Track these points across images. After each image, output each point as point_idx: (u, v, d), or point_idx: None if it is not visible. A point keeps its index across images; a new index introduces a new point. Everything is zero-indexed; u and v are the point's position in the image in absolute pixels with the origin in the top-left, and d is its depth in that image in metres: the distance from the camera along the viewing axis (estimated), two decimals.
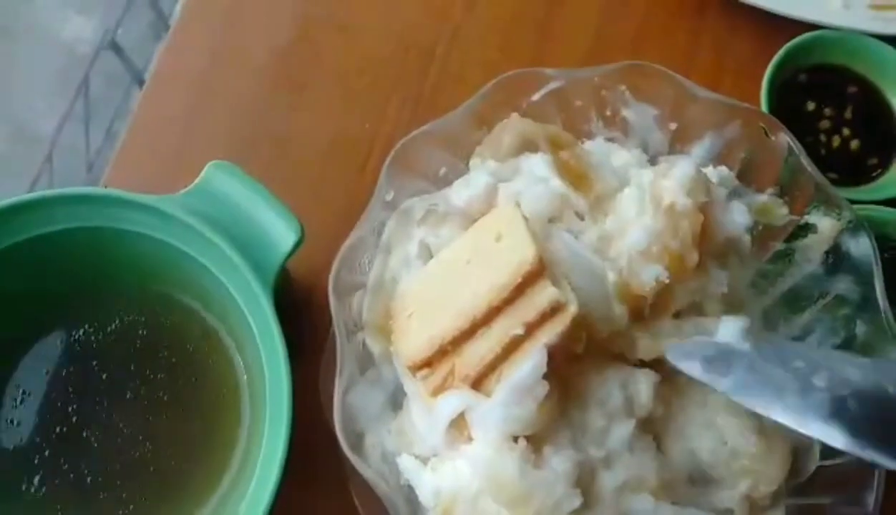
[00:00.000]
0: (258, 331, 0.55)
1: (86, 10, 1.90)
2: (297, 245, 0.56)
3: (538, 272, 0.45)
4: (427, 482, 0.49)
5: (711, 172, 0.53)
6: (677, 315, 0.51)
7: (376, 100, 0.77)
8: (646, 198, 0.50)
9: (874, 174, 0.77)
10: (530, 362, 0.45)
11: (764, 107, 0.74)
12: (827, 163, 0.76)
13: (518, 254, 0.46)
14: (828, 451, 0.53)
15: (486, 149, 0.55)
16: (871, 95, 0.79)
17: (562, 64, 0.69)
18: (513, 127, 0.54)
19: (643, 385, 0.50)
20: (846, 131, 0.78)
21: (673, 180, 0.49)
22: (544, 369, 0.45)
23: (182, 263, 0.61)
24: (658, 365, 0.50)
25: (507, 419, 0.45)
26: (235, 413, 0.62)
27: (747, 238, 0.52)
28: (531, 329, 0.45)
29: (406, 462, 0.51)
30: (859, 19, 0.79)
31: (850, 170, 0.77)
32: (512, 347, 0.45)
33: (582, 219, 0.52)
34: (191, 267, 0.60)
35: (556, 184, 0.51)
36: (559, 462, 0.47)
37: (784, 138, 0.54)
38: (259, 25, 0.81)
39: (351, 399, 0.50)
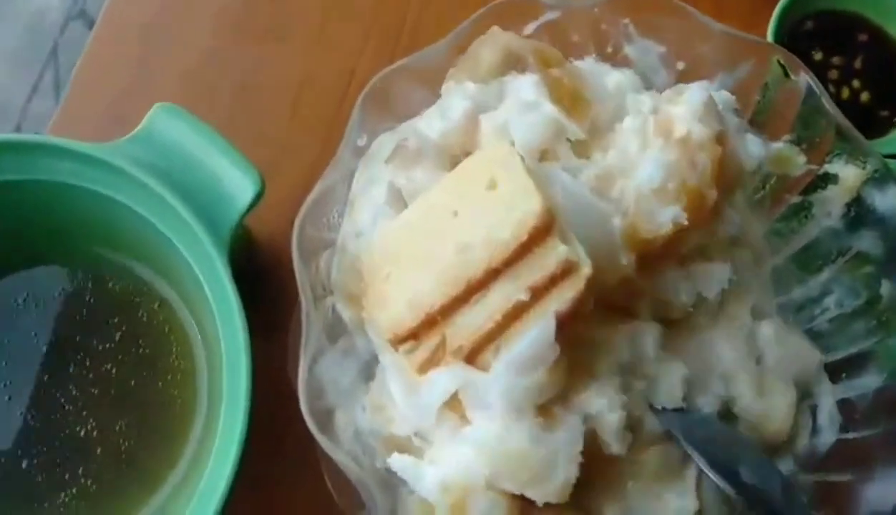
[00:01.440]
0: (213, 298, 0.49)
1: None
2: (257, 198, 0.49)
3: (547, 227, 0.38)
4: (430, 476, 0.42)
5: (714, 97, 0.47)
6: (682, 260, 0.46)
7: (351, 43, 0.69)
8: (649, 129, 0.43)
9: (886, 127, 0.72)
10: (536, 332, 0.38)
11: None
12: None
13: (520, 205, 0.38)
14: (849, 425, 0.49)
15: (463, 70, 0.47)
16: (882, 44, 0.74)
17: None
18: (494, 41, 0.46)
19: (650, 340, 0.45)
20: (856, 82, 0.73)
21: (685, 107, 0.42)
22: (553, 338, 0.38)
23: (130, 222, 0.54)
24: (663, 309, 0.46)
25: (513, 392, 0.39)
26: (191, 390, 0.56)
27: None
28: (538, 294, 0.38)
29: (399, 463, 0.43)
30: None
31: (860, 122, 0.70)
32: (514, 315, 0.39)
33: (577, 154, 0.45)
34: (139, 227, 0.53)
35: (549, 109, 0.44)
36: (574, 421, 0.41)
37: (805, 78, 0.48)
38: None
39: (319, 371, 0.44)
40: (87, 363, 0.57)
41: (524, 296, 0.38)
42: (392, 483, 0.44)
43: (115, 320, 0.58)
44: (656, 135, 0.43)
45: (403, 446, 0.45)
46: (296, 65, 0.68)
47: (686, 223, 0.42)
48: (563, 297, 0.38)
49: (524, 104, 0.44)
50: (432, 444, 0.43)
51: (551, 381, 0.39)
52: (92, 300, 0.59)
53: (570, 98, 0.45)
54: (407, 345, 0.40)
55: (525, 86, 0.45)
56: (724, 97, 0.49)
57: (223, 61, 0.70)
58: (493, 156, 0.41)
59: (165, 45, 0.70)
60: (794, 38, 0.73)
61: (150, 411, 0.56)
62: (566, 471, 0.39)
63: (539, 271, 0.38)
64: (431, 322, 0.40)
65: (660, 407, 0.44)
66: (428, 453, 0.42)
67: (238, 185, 0.49)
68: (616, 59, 0.52)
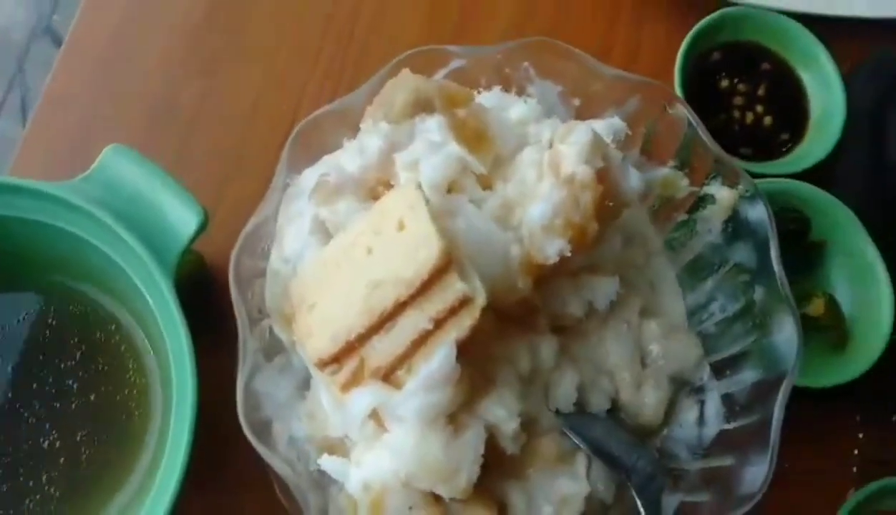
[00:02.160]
0: (161, 319, 0.54)
1: None
2: (200, 229, 0.55)
3: (445, 267, 0.44)
4: (354, 476, 0.48)
5: (605, 126, 0.53)
6: (574, 275, 0.52)
7: (295, 80, 0.75)
8: (545, 161, 0.49)
9: (785, 149, 0.79)
10: (440, 356, 0.44)
11: (677, 84, 0.76)
12: (741, 138, 0.78)
13: (423, 247, 0.44)
14: (729, 415, 0.55)
15: (378, 110, 0.53)
16: (783, 72, 0.81)
17: (484, 40, 0.69)
18: (405, 85, 0.52)
19: (547, 352, 0.51)
20: (759, 107, 0.79)
21: (570, 147, 0.48)
22: (454, 361, 0.45)
23: (88, 252, 0.59)
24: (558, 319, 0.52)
25: (424, 408, 0.45)
26: (146, 403, 0.61)
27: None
28: (440, 323, 0.45)
29: (329, 464, 0.50)
30: None
31: (763, 145, 0.78)
32: (421, 341, 0.45)
33: (482, 185, 0.51)
34: (96, 256, 0.58)
35: (454, 149, 0.50)
36: (477, 428, 0.47)
37: (682, 110, 0.55)
38: (170, 3, 0.78)
39: (257, 386, 0.49)
40: (50, 380, 0.62)
41: (429, 325, 0.44)
42: (323, 483, 0.50)
43: (76, 340, 0.64)
44: (548, 171, 0.49)
45: (336, 447, 0.51)
46: (246, 100, 0.74)
47: (569, 254, 0.48)
48: (462, 325, 0.44)
49: (432, 144, 0.50)
50: (357, 447, 0.48)
51: (456, 396, 0.46)
52: (54, 322, 0.64)
53: (474, 136, 0.51)
54: (331, 368, 0.46)
55: (432, 128, 0.51)
56: (616, 125, 0.55)
57: (177, 97, 0.75)
58: (403, 200, 0.47)
59: (122, 81, 0.75)
60: (703, 67, 0.80)
61: (109, 422, 0.61)
62: (469, 472, 0.45)
63: (440, 304, 0.44)
64: (351, 348, 0.46)
65: (554, 410, 0.50)
66: (353, 455, 0.48)
67: (182, 218, 0.55)
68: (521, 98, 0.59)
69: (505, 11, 0.78)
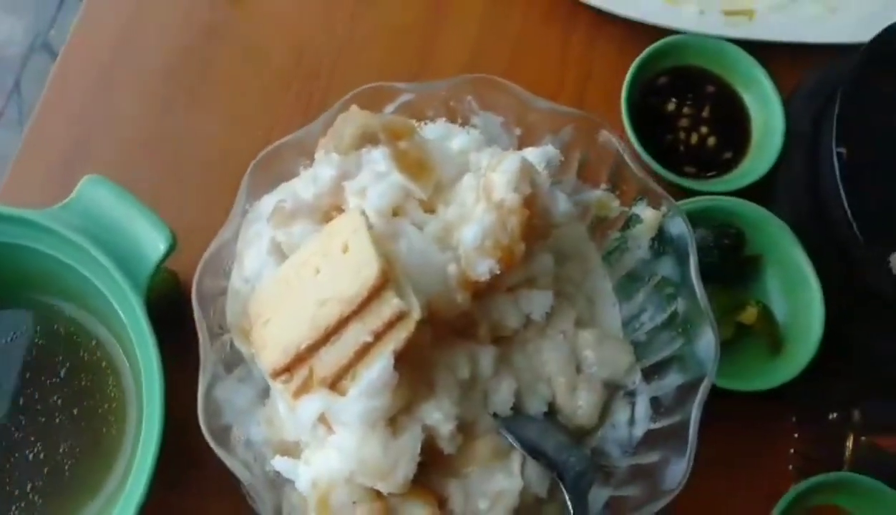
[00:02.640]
0: (135, 338, 0.59)
1: (16, 10, 1.82)
2: (168, 252, 0.60)
3: (382, 286, 0.49)
4: (303, 474, 0.53)
5: (538, 154, 0.58)
6: (512, 289, 0.57)
7: (267, 110, 0.81)
8: (480, 189, 0.54)
9: (728, 167, 0.84)
10: (378, 366, 0.49)
11: (624, 108, 0.80)
12: (686, 157, 0.83)
13: (364, 268, 0.49)
14: (655, 416, 0.60)
15: (330, 142, 0.57)
16: (726, 94, 0.85)
17: (444, 74, 0.74)
18: (353, 119, 0.57)
19: (486, 360, 0.56)
20: (704, 129, 0.84)
21: (501, 175, 0.53)
22: (392, 370, 0.49)
23: (69, 274, 0.64)
24: (497, 329, 0.57)
25: (365, 412, 0.50)
26: (123, 415, 0.66)
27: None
28: (379, 335, 0.49)
29: (281, 464, 0.54)
30: (713, 25, 0.85)
31: (707, 163, 0.83)
32: (363, 352, 0.49)
33: (425, 209, 0.56)
34: (76, 278, 0.64)
35: (396, 177, 0.55)
36: (415, 429, 0.51)
37: (609, 138, 0.61)
38: (151, 38, 0.84)
39: (218, 394, 0.54)
40: (36, 396, 0.67)
41: (369, 338, 0.49)
42: (278, 483, 0.55)
43: (60, 358, 0.68)
44: (482, 196, 0.55)
45: (291, 449, 0.56)
46: (218, 134, 0.80)
47: (498, 272, 0.53)
48: (399, 337, 0.49)
49: (377, 174, 0.56)
50: (308, 448, 0.53)
51: (394, 401, 0.50)
52: (41, 342, 0.69)
53: (416, 165, 0.56)
54: (283, 378, 0.51)
55: (378, 158, 0.56)
56: (549, 153, 0.60)
57: (156, 129, 0.81)
58: (348, 224, 0.52)
59: (106, 110, 0.81)
60: (650, 91, 0.85)
61: (90, 434, 0.66)
62: (406, 469, 0.50)
63: (379, 318, 0.49)
64: (301, 359, 0.51)
65: (492, 413, 0.55)
66: (304, 455, 0.53)
67: (152, 242, 0.60)
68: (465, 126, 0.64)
69: (464, 49, 0.84)
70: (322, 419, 0.52)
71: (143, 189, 0.63)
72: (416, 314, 0.49)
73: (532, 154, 0.58)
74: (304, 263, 0.52)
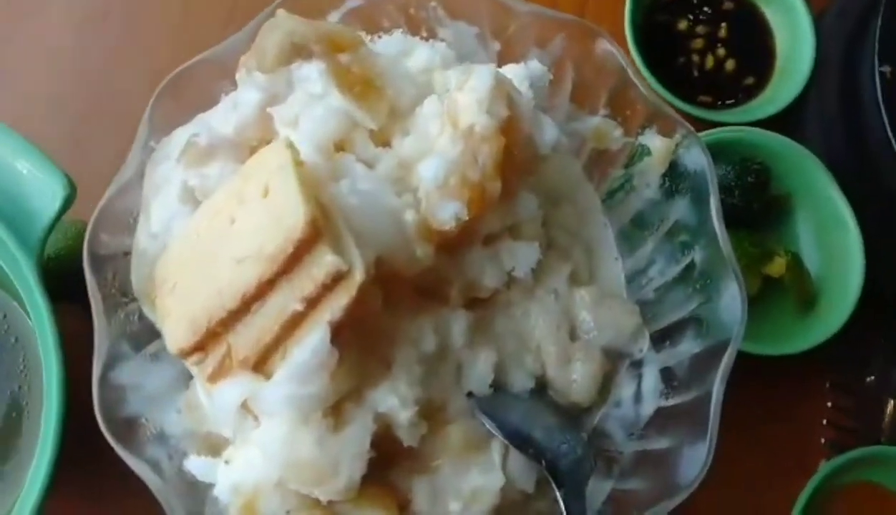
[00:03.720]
0: (31, 310, 0.48)
1: None
2: (66, 203, 0.49)
3: (313, 239, 0.38)
4: (223, 477, 0.43)
5: (519, 71, 0.47)
6: (491, 239, 0.46)
7: (184, 26, 0.68)
8: (444, 115, 0.43)
9: (749, 94, 0.73)
10: (311, 342, 0.38)
11: (627, 27, 0.69)
12: (700, 85, 0.72)
13: (288, 216, 0.38)
14: (667, 391, 0.49)
15: (252, 59, 0.46)
16: (746, 11, 0.74)
17: None
18: (279, 27, 0.45)
19: (458, 328, 0.45)
20: (721, 50, 0.74)
21: (469, 93, 0.42)
22: (329, 346, 0.39)
23: None
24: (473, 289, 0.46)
25: (296, 400, 0.39)
26: (36, 400, 0.55)
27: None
28: (312, 302, 0.38)
29: (196, 465, 0.44)
30: None
31: (724, 91, 0.73)
32: (292, 324, 0.39)
33: (376, 142, 0.45)
34: None
35: (337, 99, 0.43)
36: (364, 419, 0.41)
37: (610, 50, 0.49)
38: None
39: (122, 378, 0.44)
40: None
41: (299, 306, 0.38)
42: (201, 485, 0.44)
43: None
44: (446, 123, 0.43)
45: (220, 444, 0.45)
46: (125, 57, 0.67)
47: (467, 218, 0.42)
48: (338, 304, 0.38)
49: (312, 95, 0.44)
50: (231, 444, 0.43)
51: (335, 385, 0.40)
52: None
53: (363, 85, 0.44)
54: (194, 358, 0.40)
55: (312, 76, 0.44)
56: (534, 69, 0.48)
57: (73, 67, 0.68)
58: (270, 161, 0.40)
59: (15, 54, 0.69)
60: (658, 7, 0.74)
61: (7, 421, 0.56)
62: (350, 471, 0.40)
63: (310, 281, 0.38)
64: (215, 333, 0.40)
65: (467, 393, 0.45)
66: (225, 452, 0.42)
67: (45, 193, 0.48)
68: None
69: None
70: (246, 407, 0.41)
71: (34, 130, 0.51)
72: (360, 274, 0.38)
73: (512, 71, 0.47)
74: (216, 212, 0.41)
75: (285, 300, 0.38)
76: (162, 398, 0.45)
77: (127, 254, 0.46)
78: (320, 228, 0.38)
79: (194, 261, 0.41)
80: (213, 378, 0.40)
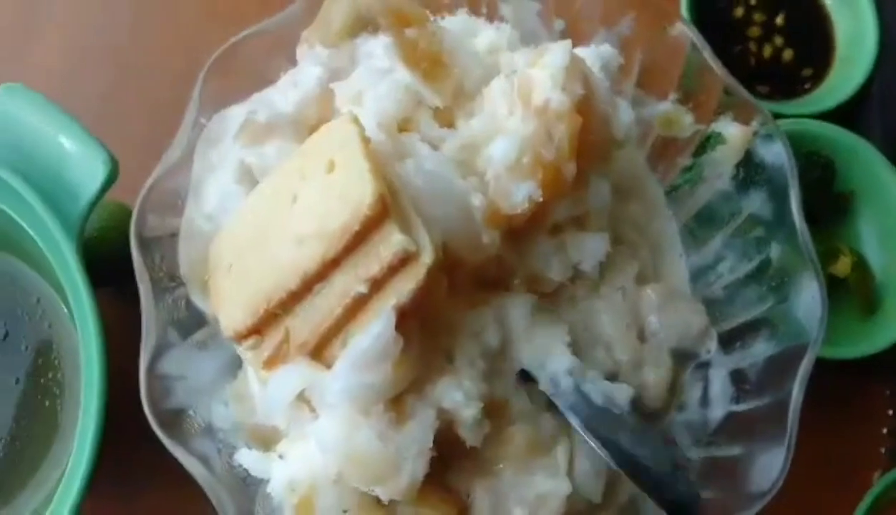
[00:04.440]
0: (70, 294, 0.46)
1: None
2: (109, 181, 0.46)
3: (380, 216, 0.35)
4: (278, 472, 0.40)
5: (592, 54, 0.44)
6: (557, 229, 0.43)
7: (238, 9, 0.65)
8: (514, 93, 0.40)
9: (808, 85, 0.70)
10: (375, 328, 0.36)
11: (684, 10, 0.66)
12: (758, 74, 0.69)
13: (354, 192, 0.36)
14: (739, 395, 0.47)
15: (315, 32, 0.44)
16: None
17: None
18: (344, 0, 0.43)
19: (519, 313, 0.42)
20: (778, 39, 0.71)
21: (543, 71, 0.39)
22: (394, 333, 0.36)
23: None
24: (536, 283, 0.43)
25: (358, 390, 0.37)
26: (69, 388, 0.53)
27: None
28: (378, 285, 0.36)
29: (248, 458, 0.42)
30: None
31: (783, 82, 0.70)
32: (355, 308, 0.36)
33: (440, 122, 0.42)
34: (4, 221, 0.51)
35: (403, 75, 0.41)
36: (426, 414, 0.38)
37: (685, 31, 0.46)
38: None
39: (169, 368, 0.41)
40: None
41: (363, 289, 0.36)
42: (252, 480, 0.42)
43: None
44: (517, 102, 0.40)
45: (269, 437, 0.43)
46: (180, 41, 0.64)
47: (541, 199, 0.39)
48: (404, 289, 0.36)
49: (377, 71, 0.41)
50: (286, 436, 0.40)
51: (398, 376, 0.37)
52: None
53: (428, 61, 0.42)
54: (250, 342, 0.38)
55: (377, 51, 0.42)
56: (605, 53, 0.46)
57: (103, 40, 0.66)
58: (335, 134, 0.38)
59: (36, 20, 0.66)
60: None
61: (31, 408, 0.54)
62: (413, 468, 0.37)
63: (377, 262, 0.36)
64: (273, 317, 0.38)
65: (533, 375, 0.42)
66: (279, 446, 0.40)
67: (87, 169, 0.46)
68: (492, 22, 0.49)
69: None
70: (302, 398, 0.38)
71: (76, 105, 0.49)
72: (428, 256, 0.36)
73: (582, 53, 0.44)
74: (276, 190, 0.39)
75: (349, 281, 0.36)
76: (209, 389, 0.43)
77: (174, 235, 0.43)
78: (388, 205, 0.35)
79: (252, 242, 0.39)
80: (270, 364, 0.37)
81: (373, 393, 0.37)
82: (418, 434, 0.37)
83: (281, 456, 0.40)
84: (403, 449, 0.37)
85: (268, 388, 0.38)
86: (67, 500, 0.43)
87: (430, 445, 0.38)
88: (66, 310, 0.55)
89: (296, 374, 0.37)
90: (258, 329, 0.38)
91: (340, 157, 0.37)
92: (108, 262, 0.52)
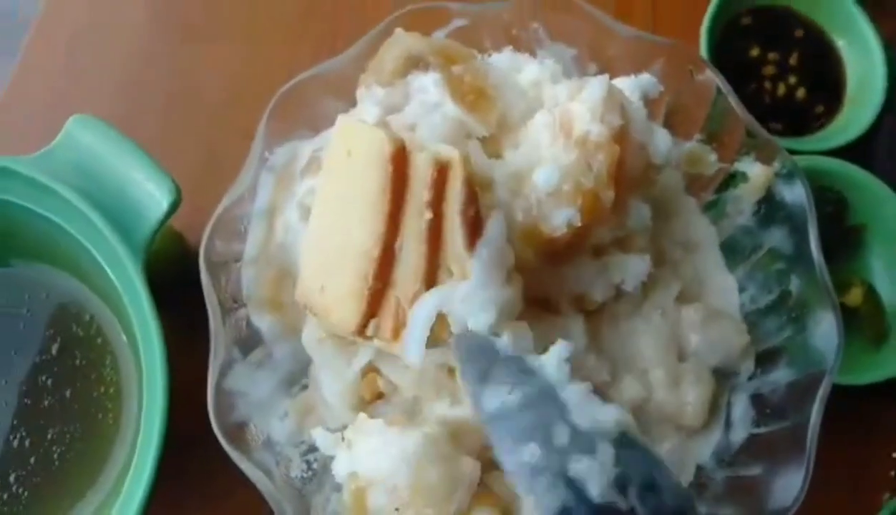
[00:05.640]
0: (133, 312, 0.49)
1: None
2: (173, 208, 0.49)
3: (401, 151, 0.39)
4: (342, 460, 0.43)
5: (631, 84, 0.47)
6: (600, 251, 0.46)
7: (287, 42, 0.69)
8: (556, 125, 0.44)
9: (820, 123, 0.73)
10: (492, 226, 0.39)
11: (704, 51, 0.69)
12: (772, 111, 0.72)
13: (371, 150, 0.39)
14: (759, 418, 0.49)
15: (371, 75, 0.47)
16: (817, 40, 0.74)
17: None
18: (397, 43, 0.47)
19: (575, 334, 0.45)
20: (792, 78, 0.74)
21: (582, 104, 0.42)
22: (503, 228, 0.39)
23: (57, 236, 0.54)
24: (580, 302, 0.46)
25: (488, 302, 0.39)
26: (121, 402, 0.56)
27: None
28: (437, 203, 0.39)
29: (321, 438, 0.45)
30: None
31: (795, 119, 0.72)
32: (434, 237, 0.39)
33: (488, 152, 0.45)
34: (61, 238, 0.53)
35: (451, 108, 0.44)
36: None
37: (711, 77, 0.49)
38: None
39: (231, 383, 0.44)
40: (23, 375, 0.58)
41: (429, 215, 0.39)
42: (306, 491, 0.45)
43: (51, 332, 0.59)
44: (559, 133, 0.43)
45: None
46: (230, 75, 0.68)
47: (580, 224, 0.42)
48: (458, 193, 0.39)
49: (428, 104, 0.45)
50: (351, 430, 0.43)
51: (516, 292, 0.40)
52: (27, 313, 0.60)
53: (475, 94, 0.45)
54: (370, 326, 0.40)
55: (428, 86, 0.45)
56: (645, 82, 0.49)
57: (155, 75, 0.70)
58: (338, 135, 0.42)
59: (95, 57, 0.70)
60: (731, 33, 0.74)
61: (83, 421, 0.56)
62: (461, 498, 0.40)
63: (422, 188, 0.38)
64: (378, 293, 0.40)
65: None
66: (347, 433, 0.43)
67: (153, 195, 0.49)
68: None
69: None
70: (368, 380, 0.43)
71: (141, 135, 0.53)
72: (456, 153, 0.39)
73: (623, 83, 0.47)
74: (322, 202, 0.42)
75: (416, 219, 0.39)
76: (267, 405, 0.46)
77: (238, 260, 0.46)
78: (402, 140, 0.39)
79: (329, 253, 0.42)
80: (395, 333, 0.39)
81: (497, 306, 0.39)
82: (469, 466, 0.40)
83: (347, 443, 0.42)
84: (457, 480, 0.40)
85: (405, 349, 0.39)
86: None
87: (479, 476, 0.40)
88: (119, 327, 0.58)
89: (432, 298, 0.39)
90: (371, 311, 0.40)
91: (351, 140, 0.41)
92: (160, 284, 0.55)
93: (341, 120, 0.42)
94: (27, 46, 0.71)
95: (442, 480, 0.39)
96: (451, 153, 0.39)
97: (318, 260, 0.43)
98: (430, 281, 0.39)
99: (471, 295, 0.39)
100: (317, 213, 0.43)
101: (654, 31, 0.72)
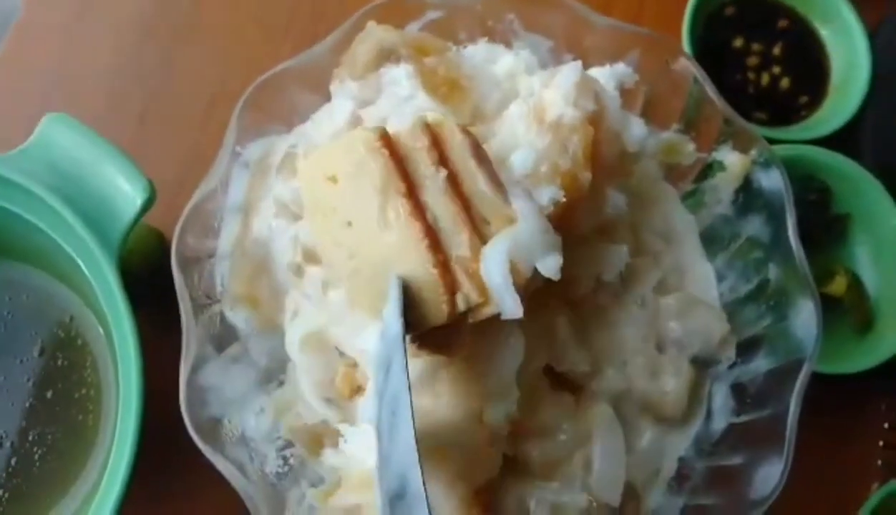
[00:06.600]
0: (109, 311, 0.49)
1: None
2: (147, 205, 0.49)
3: (385, 134, 0.38)
4: (328, 455, 0.44)
5: (607, 74, 0.47)
6: (581, 241, 0.46)
7: (264, 41, 0.69)
8: (530, 114, 0.43)
9: (804, 113, 0.73)
10: (520, 157, 0.40)
11: (686, 43, 0.69)
12: (756, 102, 0.72)
13: (356, 150, 0.38)
14: (739, 408, 0.49)
15: (344, 68, 0.47)
16: (801, 30, 0.74)
17: None
18: (369, 36, 0.46)
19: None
20: (776, 68, 0.73)
21: (555, 90, 0.42)
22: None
23: (34, 236, 0.54)
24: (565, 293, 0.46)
25: (550, 244, 0.39)
26: (101, 402, 0.56)
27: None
28: (445, 161, 0.39)
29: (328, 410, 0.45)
30: None
31: (780, 109, 0.72)
32: (458, 192, 0.39)
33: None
34: (36, 237, 0.53)
35: (423, 100, 0.44)
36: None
37: (687, 66, 0.49)
38: None
39: (204, 380, 0.44)
40: (3, 376, 0.57)
41: (443, 173, 0.38)
42: (281, 487, 0.44)
43: (31, 334, 0.58)
44: (533, 121, 0.43)
45: (324, 433, 0.46)
46: (210, 75, 0.68)
47: (564, 199, 0.41)
48: (459, 140, 0.39)
49: (400, 97, 0.44)
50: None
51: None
52: (9, 314, 0.59)
53: (447, 86, 0.45)
54: (459, 300, 0.38)
55: (400, 78, 0.45)
56: (621, 72, 0.49)
57: (135, 74, 0.69)
58: (309, 166, 0.41)
59: (76, 53, 0.70)
60: (714, 24, 0.73)
61: (64, 422, 0.56)
62: (451, 509, 0.40)
63: (424, 153, 0.38)
64: (446, 269, 0.38)
65: None
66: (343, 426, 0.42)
67: (127, 193, 0.49)
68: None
69: None
70: (346, 377, 0.42)
71: (121, 134, 0.52)
72: (440, 108, 0.40)
73: (599, 72, 0.47)
74: (333, 247, 0.41)
75: (433, 182, 0.38)
76: (241, 401, 0.46)
77: (211, 256, 0.46)
78: (382, 127, 0.38)
79: (375, 280, 0.40)
80: (482, 291, 0.38)
81: (545, 246, 0.38)
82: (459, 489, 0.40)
83: (344, 439, 0.42)
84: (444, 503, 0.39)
85: (484, 263, 0.38)
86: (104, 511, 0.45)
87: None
88: (99, 328, 0.58)
89: (500, 247, 0.38)
90: (451, 289, 0.38)
91: (339, 162, 0.40)
92: (135, 282, 0.54)
93: (300, 165, 0.41)
94: (5, 45, 0.71)
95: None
96: (436, 116, 0.39)
97: (369, 297, 0.41)
98: (478, 232, 0.39)
99: (533, 236, 0.38)
100: (334, 261, 0.41)
101: (638, 22, 0.72)
